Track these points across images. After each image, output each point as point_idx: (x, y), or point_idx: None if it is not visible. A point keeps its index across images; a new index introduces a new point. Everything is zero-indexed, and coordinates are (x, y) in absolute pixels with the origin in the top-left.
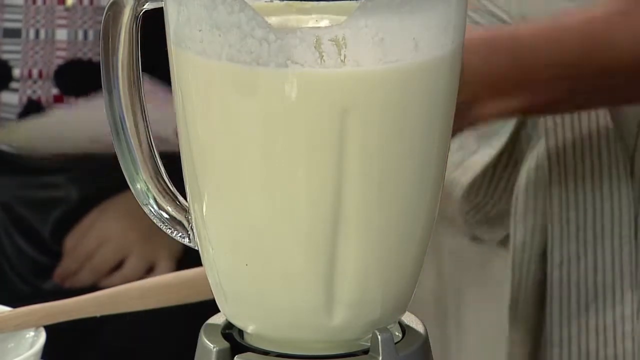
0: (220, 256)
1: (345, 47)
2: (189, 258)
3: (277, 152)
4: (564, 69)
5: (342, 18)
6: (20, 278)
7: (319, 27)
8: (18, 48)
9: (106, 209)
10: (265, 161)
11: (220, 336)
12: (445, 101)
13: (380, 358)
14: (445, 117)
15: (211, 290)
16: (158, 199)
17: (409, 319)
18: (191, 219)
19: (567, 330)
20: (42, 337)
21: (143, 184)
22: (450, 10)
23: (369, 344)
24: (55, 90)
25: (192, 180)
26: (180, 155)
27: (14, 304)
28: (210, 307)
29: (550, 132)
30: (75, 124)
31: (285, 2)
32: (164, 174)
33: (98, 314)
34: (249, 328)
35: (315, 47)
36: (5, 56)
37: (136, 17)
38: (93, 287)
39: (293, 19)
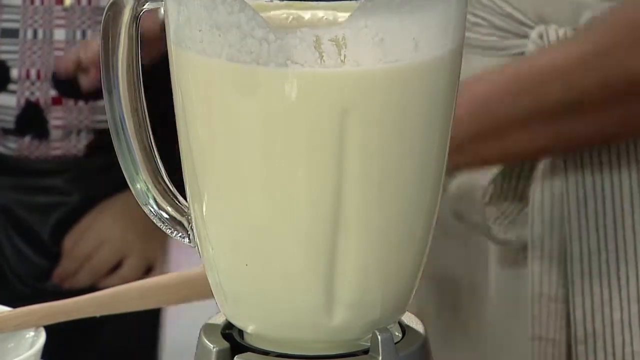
0: (220, 256)
1: (345, 47)
2: None
3: (277, 152)
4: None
5: (343, 16)
6: (20, 280)
7: (318, 27)
8: (16, 48)
9: (104, 209)
10: (265, 161)
11: (220, 336)
12: (445, 101)
13: (380, 358)
14: (445, 117)
15: (211, 290)
16: (158, 199)
17: (409, 319)
18: (191, 219)
19: (592, 326)
20: (42, 337)
21: (143, 184)
22: (450, 10)
23: (369, 344)
24: (53, 92)
25: (192, 180)
26: (180, 155)
27: (13, 304)
28: (210, 307)
29: None
30: None
31: (285, 1)
32: (164, 174)
33: (98, 314)
34: (249, 328)
35: (315, 47)
36: (3, 56)
37: (136, 17)
38: (92, 288)
39: (293, 15)
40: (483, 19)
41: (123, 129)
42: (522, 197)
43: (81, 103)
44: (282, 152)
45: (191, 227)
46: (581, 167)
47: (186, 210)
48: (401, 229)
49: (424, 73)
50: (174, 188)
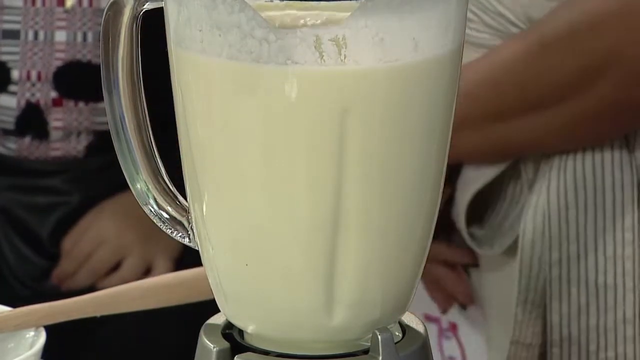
0: (220, 256)
1: (345, 47)
2: (189, 258)
3: (277, 151)
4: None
5: (343, 15)
6: (19, 280)
7: (319, 27)
8: (17, 49)
9: (103, 209)
10: (265, 161)
11: (220, 336)
12: (445, 101)
13: (380, 358)
14: (445, 117)
15: (211, 290)
16: (158, 199)
17: (409, 319)
18: (191, 218)
19: (567, 330)
20: (42, 337)
21: (143, 184)
22: (450, 10)
23: (369, 344)
24: (54, 94)
25: (192, 180)
26: (181, 155)
27: (13, 304)
28: (210, 307)
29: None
30: None
31: (285, 1)
32: (164, 174)
33: (98, 314)
34: (249, 328)
35: (315, 46)
36: (4, 57)
37: (136, 17)
38: (91, 289)
39: (293, 15)
40: (475, 14)
41: (123, 129)
42: (503, 217)
43: (81, 104)
44: (282, 152)
45: (191, 227)
46: (564, 175)
47: (186, 210)
48: (401, 229)
49: (424, 73)
50: (174, 188)
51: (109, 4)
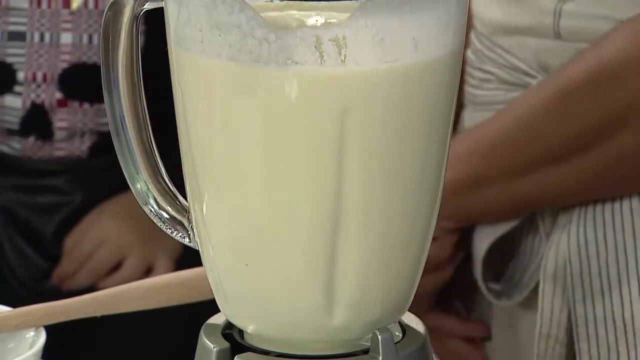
0: (220, 256)
1: (346, 47)
2: (189, 258)
3: (277, 151)
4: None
5: (343, 15)
6: (20, 281)
7: (319, 27)
8: (22, 51)
9: (104, 210)
10: (265, 161)
11: (220, 336)
12: (446, 101)
13: (381, 358)
14: (445, 117)
15: (211, 290)
16: (158, 199)
17: (409, 319)
18: (191, 218)
19: None
20: (42, 337)
21: (143, 184)
22: (451, 10)
23: (369, 344)
24: (59, 95)
25: (192, 180)
26: (181, 155)
27: (13, 304)
28: (210, 307)
29: None
30: None
31: (285, 1)
32: (164, 174)
33: (98, 314)
34: (249, 328)
35: (315, 46)
36: (10, 59)
37: (136, 17)
38: (91, 289)
39: (293, 15)
40: (491, 73)
41: (123, 129)
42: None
43: (86, 106)
44: (282, 152)
45: (191, 227)
46: (584, 226)
47: (186, 210)
48: (401, 229)
49: (424, 73)
50: (174, 188)
51: (109, 4)
